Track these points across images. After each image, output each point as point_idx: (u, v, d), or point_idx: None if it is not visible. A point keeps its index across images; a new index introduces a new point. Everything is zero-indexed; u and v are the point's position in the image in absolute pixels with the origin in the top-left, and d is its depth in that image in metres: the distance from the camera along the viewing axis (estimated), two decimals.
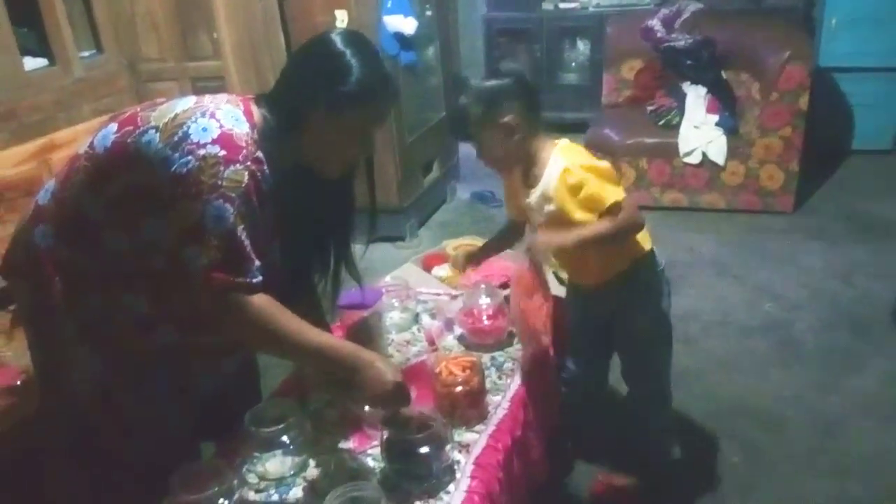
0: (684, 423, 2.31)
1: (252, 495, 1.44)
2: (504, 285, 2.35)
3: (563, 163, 1.63)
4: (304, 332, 1.34)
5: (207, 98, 1.35)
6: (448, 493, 1.40)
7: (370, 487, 1.32)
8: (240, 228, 1.26)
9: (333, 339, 1.41)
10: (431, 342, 1.92)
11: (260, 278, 1.30)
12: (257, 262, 1.29)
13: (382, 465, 1.46)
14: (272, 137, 1.36)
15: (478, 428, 1.58)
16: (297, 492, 1.45)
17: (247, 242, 1.27)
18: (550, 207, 1.67)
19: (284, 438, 1.49)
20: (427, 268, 2.63)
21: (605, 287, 1.81)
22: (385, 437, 1.44)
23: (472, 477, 1.43)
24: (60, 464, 1.55)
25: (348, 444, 1.57)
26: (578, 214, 1.62)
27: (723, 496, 2.05)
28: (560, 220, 1.65)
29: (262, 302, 1.29)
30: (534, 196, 1.70)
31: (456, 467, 1.47)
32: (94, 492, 1.51)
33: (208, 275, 1.24)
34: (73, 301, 1.39)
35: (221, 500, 1.34)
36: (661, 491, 2.00)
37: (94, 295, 1.39)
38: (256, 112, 1.37)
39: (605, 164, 1.65)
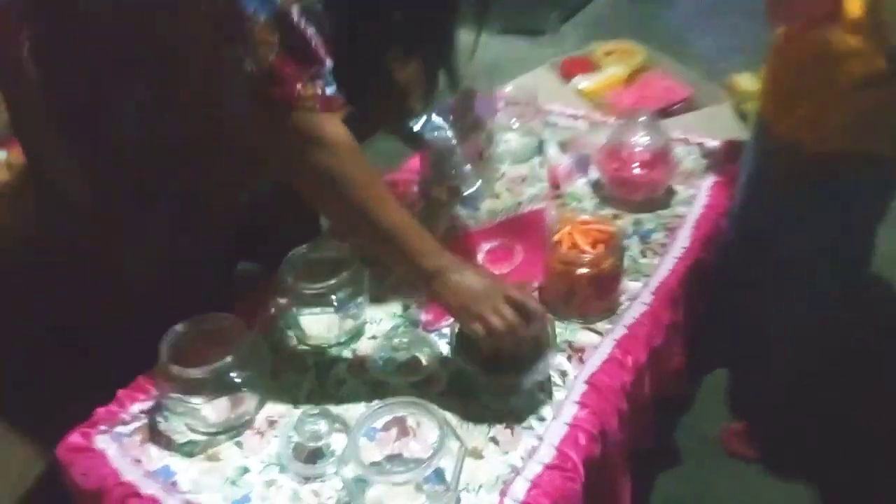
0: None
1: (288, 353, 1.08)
2: (666, 111, 1.74)
3: None
4: (382, 203, 0.93)
5: None
6: (542, 419, 0.97)
7: (425, 408, 0.91)
8: (294, 10, 0.84)
9: (417, 227, 0.96)
10: (555, 184, 1.40)
11: (335, 87, 0.89)
12: (329, 64, 0.88)
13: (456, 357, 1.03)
14: None
15: (600, 326, 1.11)
16: (339, 369, 1.06)
17: (309, 31, 0.86)
18: None
19: (333, 298, 1.08)
20: (566, 76, 2.04)
21: (831, 161, 1.19)
22: (457, 328, 1.00)
23: (582, 404, 0.98)
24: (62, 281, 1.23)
25: (420, 315, 1.15)
26: None
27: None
28: None
29: (337, 135, 0.90)
30: None
31: (559, 382, 1.02)
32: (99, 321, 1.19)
33: (263, 75, 0.85)
34: (49, 84, 0.97)
35: (232, 375, 0.98)
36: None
37: (73, 78, 0.96)
38: None
39: None
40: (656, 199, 1.35)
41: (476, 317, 0.93)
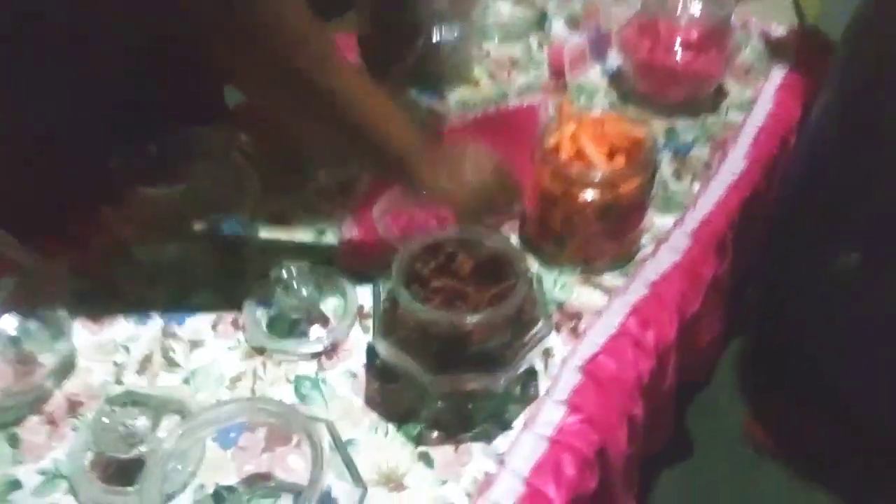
0: None
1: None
2: None
3: None
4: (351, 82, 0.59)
5: None
6: (505, 427, 0.60)
7: (302, 422, 0.53)
8: None
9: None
10: (558, 72, 0.99)
11: None
12: None
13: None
14: None
15: (609, 281, 0.72)
16: (197, 325, 0.68)
17: None
18: None
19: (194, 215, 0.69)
20: None
21: None
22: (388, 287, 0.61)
23: (572, 407, 0.61)
24: None
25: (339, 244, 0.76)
26: None
27: None
28: None
29: None
30: None
31: (538, 367, 0.65)
32: None
33: None
34: None
35: (9, 328, 0.60)
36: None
37: None
38: None
39: None
40: (702, 99, 0.94)
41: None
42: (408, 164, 0.63)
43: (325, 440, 0.54)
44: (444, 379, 0.57)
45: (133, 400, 0.59)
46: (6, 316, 0.60)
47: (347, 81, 0.59)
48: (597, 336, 0.67)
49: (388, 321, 0.60)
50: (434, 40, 0.78)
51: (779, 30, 1.09)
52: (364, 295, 0.69)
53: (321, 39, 0.57)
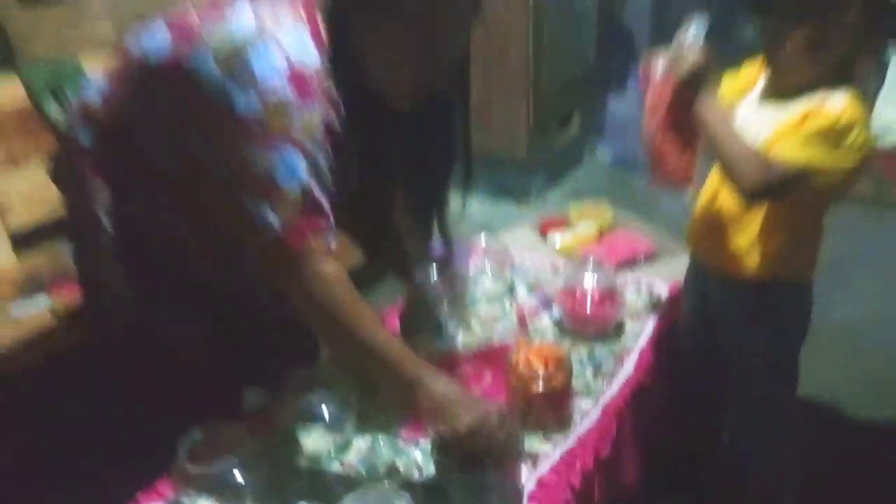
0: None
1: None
2: (631, 262, 1.99)
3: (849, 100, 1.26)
4: (369, 324, 1.13)
5: (267, 14, 1.09)
6: None
7: (400, 497, 1.07)
8: (314, 183, 1.09)
9: (398, 343, 1.17)
10: (522, 322, 1.62)
11: (332, 241, 1.13)
12: (331, 220, 1.13)
13: (432, 462, 1.20)
14: (338, 60, 1.12)
15: (555, 438, 1.28)
16: (329, 479, 1.23)
17: (322, 199, 1.11)
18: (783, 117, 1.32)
19: (324, 410, 1.28)
20: (543, 232, 2.32)
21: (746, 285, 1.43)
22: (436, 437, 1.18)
23: (531, 498, 1.14)
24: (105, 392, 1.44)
25: (401, 431, 1.33)
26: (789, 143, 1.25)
27: None
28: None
29: (334, 274, 1.12)
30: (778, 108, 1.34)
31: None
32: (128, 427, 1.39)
33: (285, 233, 1.08)
34: (112, 206, 1.26)
35: (236, 471, 1.15)
36: None
37: (133, 203, 1.26)
38: (323, 27, 1.12)
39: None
40: (607, 332, 1.56)
41: (456, 419, 1.09)
42: (418, 386, 1.10)
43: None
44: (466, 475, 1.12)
45: None
46: (239, 472, 1.15)
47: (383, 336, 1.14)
48: (546, 465, 1.21)
49: (440, 447, 1.16)
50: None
51: (660, 285, 1.75)
52: (416, 454, 1.25)
53: (367, 312, 1.13)
